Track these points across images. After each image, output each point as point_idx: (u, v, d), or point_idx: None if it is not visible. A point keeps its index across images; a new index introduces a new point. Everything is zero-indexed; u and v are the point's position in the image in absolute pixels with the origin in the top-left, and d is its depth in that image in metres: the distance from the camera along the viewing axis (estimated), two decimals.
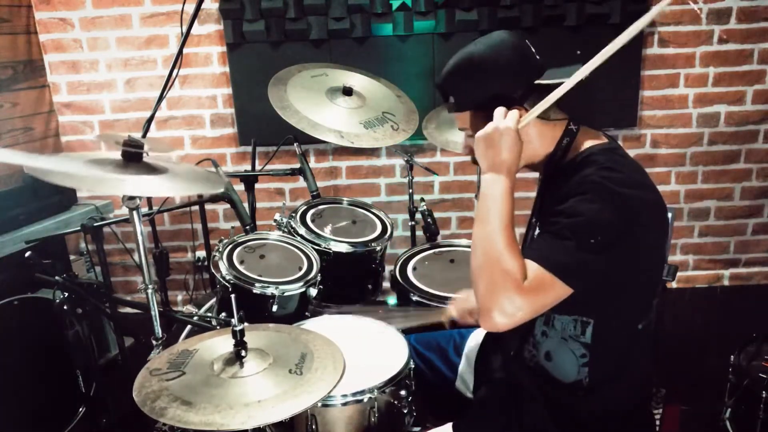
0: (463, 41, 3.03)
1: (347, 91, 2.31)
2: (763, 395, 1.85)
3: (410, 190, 2.57)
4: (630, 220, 1.14)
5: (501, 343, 1.49)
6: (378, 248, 2.20)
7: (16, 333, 2.22)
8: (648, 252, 1.21)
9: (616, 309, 1.23)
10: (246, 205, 2.33)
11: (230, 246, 1.99)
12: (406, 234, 2.78)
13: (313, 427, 1.45)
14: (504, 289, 1.12)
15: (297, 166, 2.47)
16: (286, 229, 2.18)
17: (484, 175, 1.26)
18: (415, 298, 1.98)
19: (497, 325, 1.13)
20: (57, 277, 1.76)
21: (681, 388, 2.15)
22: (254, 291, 1.84)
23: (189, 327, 2.15)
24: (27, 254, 1.79)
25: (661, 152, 3.14)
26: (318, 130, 2.15)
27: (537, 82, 1.24)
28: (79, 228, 2.12)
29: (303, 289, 1.90)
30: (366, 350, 1.65)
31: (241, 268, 1.91)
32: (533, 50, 1.27)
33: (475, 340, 1.67)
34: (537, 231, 1.34)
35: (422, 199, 2.53)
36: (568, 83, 1.17)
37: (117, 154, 1.52)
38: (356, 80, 2.39)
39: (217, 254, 1.94)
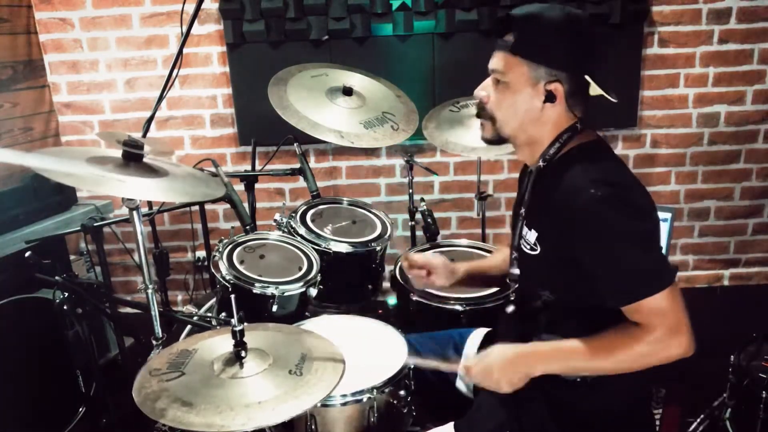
0: (463, 41, 3.01)
1: (347, 91, 2.31)
2: (763, 395, 1.84)
3: (410, 190, 2.57)
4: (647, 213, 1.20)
5: (501, 342, 1.49)
6: (378, 248, 2.20)
7: (17, 333, 2.22)
8: None
9: (615, 310, 1.23)
10: (246, 205, 2.33)
11: (230, 246, 1.99)
12: (406, 234, 2.78)
13: (313, 427, 1.45)
14: (652, 355, 1.18)
15: (297, 166, 2.47)
16: (286, 229, 2.18)
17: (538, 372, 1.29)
18: (415, 298, 1.98)
19: (685, 353, 1.18)
20: (57, 277, 1.76)
21: (681, 388, 2.16)
22: (254, 291, 1.84)
23: (189, 327, 2.15)
24: (27, 254, 1.79)
25: (661, 152, 3.14)
26: (318, 130, 2.15)
27: (586, 77, 1.24)
28: (79, 228, 2.12)
29: (303, 289, 1.90)
30: (365, 350, 1.65)
31: (241, 268, 1.91)
32: (602, 48, 1.28)
33: (475, 339, 1.66)
34: (524, 226, 1.35)
35: (422, 199, 2.53)
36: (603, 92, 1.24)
37: (117, 152, 1.52)
38: (356, 80, 2.39)
39: (217, 254, 1.94)
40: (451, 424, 1.45)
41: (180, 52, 1.85)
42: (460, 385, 1.64)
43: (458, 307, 1.90)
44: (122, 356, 2.15)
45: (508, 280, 1.48)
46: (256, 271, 1.92)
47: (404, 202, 2.70)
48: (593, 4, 2.81)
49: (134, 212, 1.55)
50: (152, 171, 1.54)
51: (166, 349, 1.41)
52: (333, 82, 2.35)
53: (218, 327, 1.82)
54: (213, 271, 1.92)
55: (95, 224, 2.09)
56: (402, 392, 1.53)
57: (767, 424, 1.85)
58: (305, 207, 2.31)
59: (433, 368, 1.50)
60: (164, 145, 2.76)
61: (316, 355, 1.33)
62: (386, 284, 2.27)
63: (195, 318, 2.00)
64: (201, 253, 3.22)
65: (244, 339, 1.29)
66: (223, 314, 1.90)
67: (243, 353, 1.28)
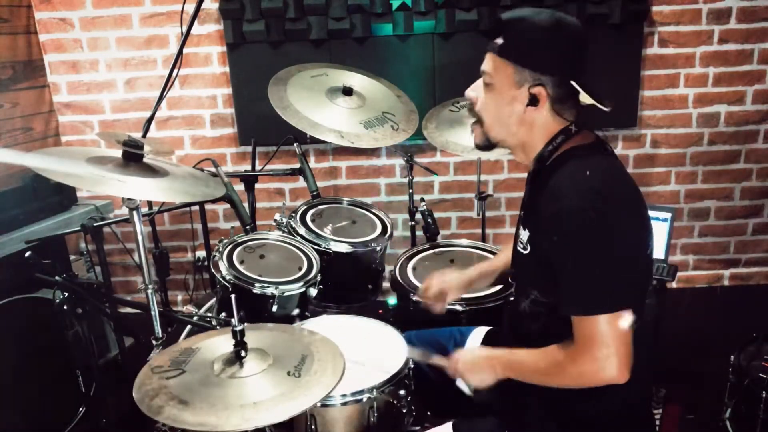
0: (463, 41, 3.01)
1: (347, 91, 2.31)
2: (763, 395, 1.84)
3: (410, 190, 2.57)
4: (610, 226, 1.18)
5: (502, 342, 1.49)
6: (378, 248, 2.20)
7: (17, 333, 2.22)
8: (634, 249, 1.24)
9: None
10: (246, 205, 2.33)
11: (230, 246, 1.99)
12: (406, 234, 2.78)
13: (313, 426, 1.45)
14: (584, 377, 1.20)
15: (297, 166, 2.47)
16: (286, 229, 2.18)
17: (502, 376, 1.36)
18: (415, 298, 1.98)
19: (617, 379, 1.18)
20: (57, 277, 1.76)
21: (681, 388, 2.16)
22: (254, 291, 1.84)
23: (189, 327, 2.15)
24: (27, 254, 1.79)
25: (661, 152, 3.14)
26: (318, 130, 2.15)
27: (572, 82, 1.24)
28: (79, 228, 2.12)
29: (303, 289, 1.91)
30: (365, 350, 1.65)
31: (241, 268, 1.91)
32: (588, 56, 1.27)
33: (475, 337, 1.66)
34: (520, 226, 1.36)
35: (422, 199, 2.53)
36: (592, 100, 1.24)
37: (117, 152, 1.52)
38: (356, 80, 2.39)
39: (217, 254, 1.94)
40: (450, 423, 1.45)
41: (180, 52, 1.85)
42: (460, 384, 1.64)
43: (458, 307, 1.90)
44: (122, 356, 2.15)
45: (510, 279, 1.49)
46: (256, 271, 1.92)
47: (404, 202, 2.70)
48: (593, 4, 2.81)
49: (134, 212, 1.55)
50: (152, 171, 1.55)
51: (170, 346, 1.41)
52: (333, 82, 2.35)
53: (218, 327, 1.82)
54: (213, 271, 1.92)
55: (95, 224, 2.09)
56: (402, 392, 1.53)
57: (767, 424, 1.85)
58: (305, 207, 2.31)
59: (428, 362, 1.54)
60: (164, 145, 2.76)
61: (317, 357, 1.33)
62: (386, 284, 2.27)
63: (195, 318, 2.00)
64: (201, 253, 3.22)
65: (245, 339, 1.29)
66: (223, 314, 1.90)
67: (243, 353, 1.28)
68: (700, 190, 3.20)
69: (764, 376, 1.87)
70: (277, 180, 3.21)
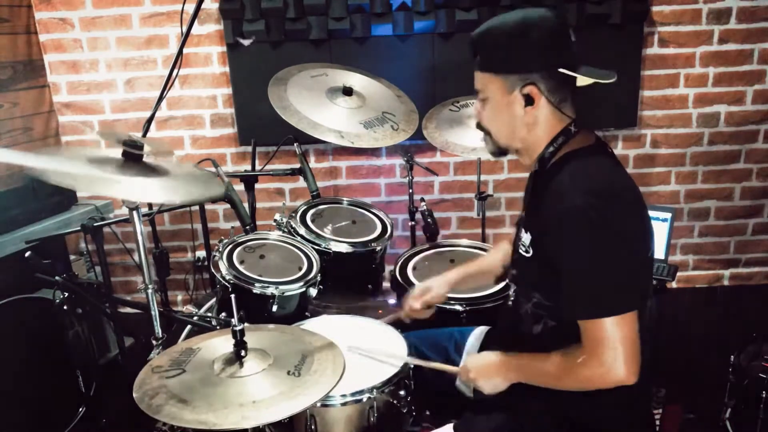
0: (463, 41, 3.02)
1: (347, 91, 2.31)
2: (763, 395, 1.84)
3: (410, 190, 2.57)
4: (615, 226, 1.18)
5: (501, 342, 1.49)
6: (378, 248, 2.20)
7: (17, 333, 2.22)
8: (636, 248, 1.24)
9: None
10: (246, 205, 2.33)
11: (230, 246, 1.99)
12: (406, 234, 2.78)
13: (313, 427, 1.45)
14: (594, 380, 1.20)
15: (297, 166, 2.47)
16: (286, 229, 2.18)
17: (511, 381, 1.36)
18: (432, 365, 1.96)
19: (625, 380, 1.18)
20: (57, 277, 1.77)
21: (681, 388, 2.16)
22: (254, 291, 1.84)
23: (189, 327, 2.15)
24: (27, 254, 1.79)
25: (661, 152, 3.14)
26: (318, 130, 2.15)
27: (561, 70, 1.24)
28: (79, 228, 2.12)
29: (303, 289, 1.91)
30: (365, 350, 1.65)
31: (241, 268, 1.91)
32: (572, 39, 1.26)
33: (475, 338, 1.66)
34: (522, 228, 1.36)
35: (422, 199, 2.53)
36: (586, 80, 1.22)
37: (117, 152, 1.52)
38: (356, 80, 2.39)
39: (217, 254, 1.94)
40: (451, 425, 1.45)
41: (180, 52, 1.85)
42: (460, 385, 1.64)
43: (458, 307, 1.90)
44: (122, 356, 2.15)
45: (508, 280, 1.49)
46: (256, 271, 1.92)
47: (404, 202, 2.70)
48: (593, 4, 2.81)
49: (134, 212, 1.55)
50: (152, 171, 1.54)
51: (170, 347, 1.41)
52: (333, 82, 2.35)
53: (218, 327, 1.82)
54: (213, 271, 1.92)
55: (95, 224, 2.08)
56: (402, 392, 1.53)
57: (767, 424, 1.85)
58: (305, 207, 2.31)
59: (432, 368, 1.53)
60: (164, 145, 2.76)
61: (317, 356, 1.33)
62: (386, 284, 2.27)
63: (195, 318, 2.00)
64: (201, 253, 3.22)
65: (245, 339, 1.29)
66: (223, 314, 1.90)
67: (243, 353, 1.29)
68: (700, 190, 3.20)
69: (764, 376, 1.87)
70: (277, 180, 3.21)
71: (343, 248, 2.11)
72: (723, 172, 3.17)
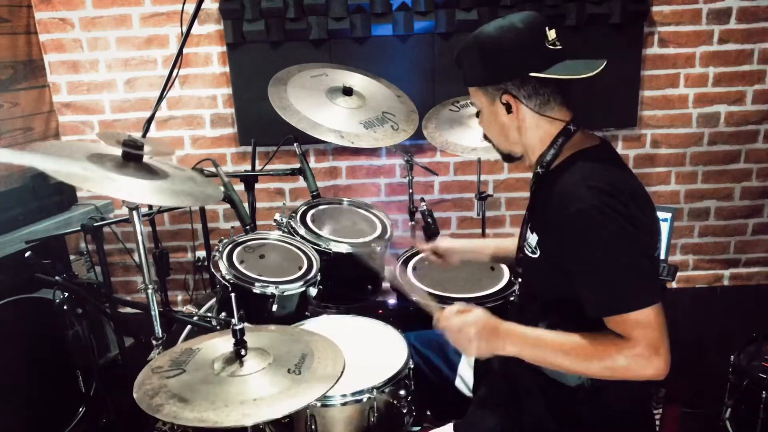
0: (463, 41, 3.02)
1: (347, 91, 2.31)
2: (763, 395, 1.84)
3: (410, 190, 2.57)
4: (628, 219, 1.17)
5: None
6: (378, 248, 2.20)
7: (17, 333, 2.22)
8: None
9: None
10: (246, 205, 2.33)
11: (230, 246, 1.99)
12: (406, 234, 2.78)
13: (313, 427, 1.45)
14: (628, 370, 1.17)
15: (297, 166, 2.47)
16: (286, 229, 2.18)
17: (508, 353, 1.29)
18: (415, 298, 1.97)
19: (658, 375, 1.19)
20: (57, 277, 1.77)
21: (681, 388, 2.16)
22: (254, 291, 1.84)
23: (189, 327, 2.15)
24: (27, 254, 1.79)
25: (661, 152, 3.14)
26: (318, 130, 2.15)
27: (532, 74, 1.24)
28: (79, 228, 2.12)
29: (303, 289, 1.91)
30: (365, 350, 1.65)
31: (241, 267, 1.91)
32: (549, 39, 1.26)
33: None
34: (527, 229, 1.36)
35: (422, 199, 2.53)
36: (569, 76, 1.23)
37: (117, 150, 1.52)
38: (356, 80, 2.39)
39: (217, 254, 1.94)
40: (451, 424, 1.45)
41: (180, 52, 1.86)
42: (459, 384, 1.64)
43: None
44: (122, 356, 2.15)
45: (512, 278, 1.49)
46: (256, 271, 1.92)
47: (404, 202, 2.70)
48: (593, 4, 2.81)
49: (134, 212, 1.55)
50: (152, 172, 1.54)
51: (171, 348, 1.42)
52: (333, 82, 2.35)
53: (218, 327, 1.82)
54: (213, 271, 1.92)
55: (95, 224, 2.09)
56: (402, 392, 1.53)
57: (767, 424, 1.85)
58: (305, 207, 2.31)
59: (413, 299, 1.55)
60: (164, 145, 2.76)
61: (317, 355, 1.33)
62: (386, 284, 2.27)
63: (195, 318, 2.00)
64: (201, 253, 3.22)
65: (245, 338, 1.29)
66: (223, 314, 1.90)
67: (243, 352, 1.29)
68: (700, 190, 3.20)
69: (764, 376, 1.87)
70: (277, 180, 3.21)
71: (343, 248, 2.11)
72: (723, 172, 3.17)
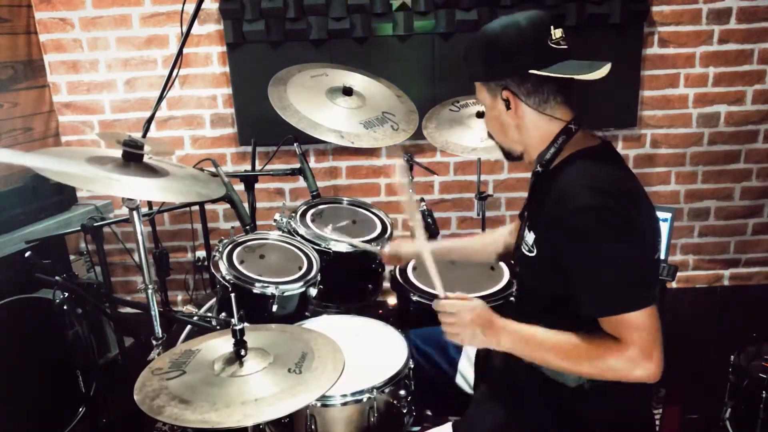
0: (463, 41, 3.01)
1: (347, 91, 2.31)
2: (763, 395, 1.85)
3: (410, 190, 2.57)
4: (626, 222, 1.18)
5: None
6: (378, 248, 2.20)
7: (17, 333, 2.22)
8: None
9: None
10: (246, 205, 2.33)
11: (230, 246, 1.99)
12: (406, 234, 2.79)
13: (313, 427, 1.45)
14: (620, 371, 1.18)
15: (297, 166, 2.47)
16: (286, 229, 2.18)
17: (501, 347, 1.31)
18: (415, 298, 1.98)
19: (651, 378, 1.19)
20: (57, 277, 1.76)
21: (681, 388, 2.16)
22: (254, 291, 1.84)
23: (189, 327, 2.15)
24: (27, 254, 1.79)
25: (661, 152, 3.14)
26: (318, 130, 2.15)
27: (532, 71, 1.24)
28: (79, 228, 2.12)
29: (303, 289, 1.90)
30: (365, 350, 1.65)
31: (241, 267, 1.91)
32: (553, 38, 1.26)
33: None
34: (525, 228, 1.36)
35: (422, 199, 2.53)
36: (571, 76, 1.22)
37: (117, 152, 1.52)
38: (356, 80, 2.39)
39: (217, 254, 1.94)
40: (450, 424, 1.45)
41: (180, 52, 1.86)
42: (460, 381, 1.64)
43: None
44: (122, 356, 2.15)
45: (512, 279, 1.49)
46: (256, 271, 1.92)
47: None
48: (593, 4, 2.81)
49: (134, 212, 1.55)
50: (152, 171, 1.55)
51: (170, 349, 1.42)
52: (333, 82, 2.35)
53: (218, 327, 1.82)
54: (213, 271, 1.92)
55: (95, 224, 2.09)
56: (402, 392, 1.53)
57: (767, 424, 1.85)
58: (305, 207, 2.31)
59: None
60: (164, 145, 2.76)
61: (317, 354, 1.33)
62: (386, 284, 2.27)
63: (195, 318, 2.00)
64: (201, 253, 3.22)
65: (245, 338, 1.29)
66: (223, 314, 1.90)
67: (243, 352, 1.29)
68: (700, 190, 3.20)
69: (764, 376, 1.87)
70: (277, 180, 3.21)
71: (343, 248, 2.11)
72: (723, 172, 3.17)
